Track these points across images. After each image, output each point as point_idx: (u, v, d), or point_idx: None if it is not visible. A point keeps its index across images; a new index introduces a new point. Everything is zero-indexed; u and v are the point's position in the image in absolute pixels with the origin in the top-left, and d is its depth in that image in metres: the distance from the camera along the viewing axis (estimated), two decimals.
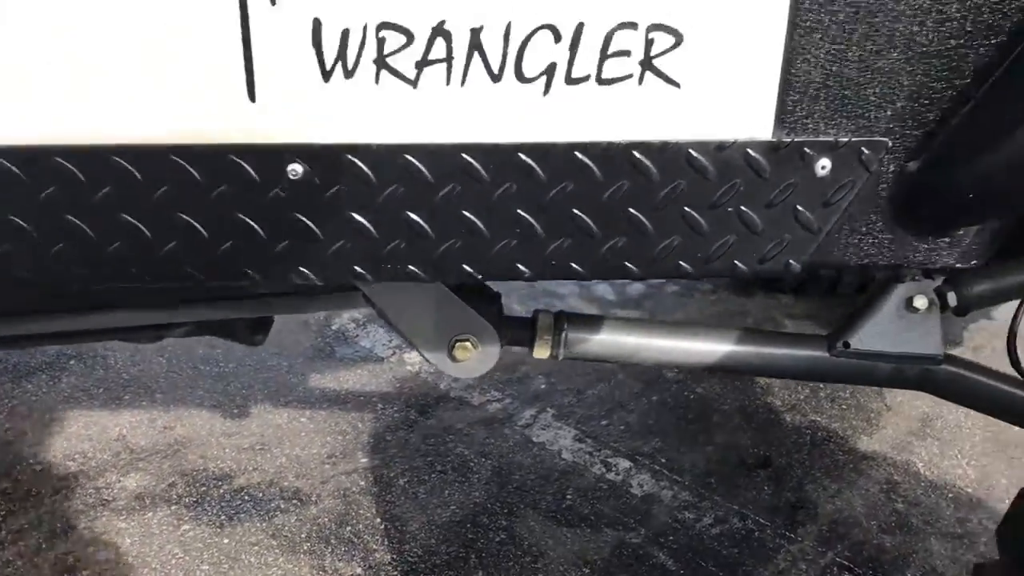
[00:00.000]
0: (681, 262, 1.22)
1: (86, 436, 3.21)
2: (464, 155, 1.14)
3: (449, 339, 1.88)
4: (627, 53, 1.12)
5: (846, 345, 1.92)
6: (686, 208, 1.19)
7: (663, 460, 3.19)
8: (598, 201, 1.18)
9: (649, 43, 1.11)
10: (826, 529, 2.89)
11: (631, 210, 1.19)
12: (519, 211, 1.18)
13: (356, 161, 1.14)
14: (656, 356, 2.02)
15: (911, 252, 1.24)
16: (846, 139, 1.17)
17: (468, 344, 1.89)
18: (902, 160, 1.19)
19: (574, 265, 1.22)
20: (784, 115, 1.16)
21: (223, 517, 2.86)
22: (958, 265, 1.23)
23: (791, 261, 1.22)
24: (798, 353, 2.01)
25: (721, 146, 1.16)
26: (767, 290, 4.05)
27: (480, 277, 1.21)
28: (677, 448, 3.26)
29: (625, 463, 3.17)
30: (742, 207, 1.19)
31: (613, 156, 1.16)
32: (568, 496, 3.00)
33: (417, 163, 1.14)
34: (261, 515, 2.87)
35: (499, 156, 1.15)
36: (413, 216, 1.17)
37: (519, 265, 1.21)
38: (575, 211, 1.18)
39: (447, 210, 1.17)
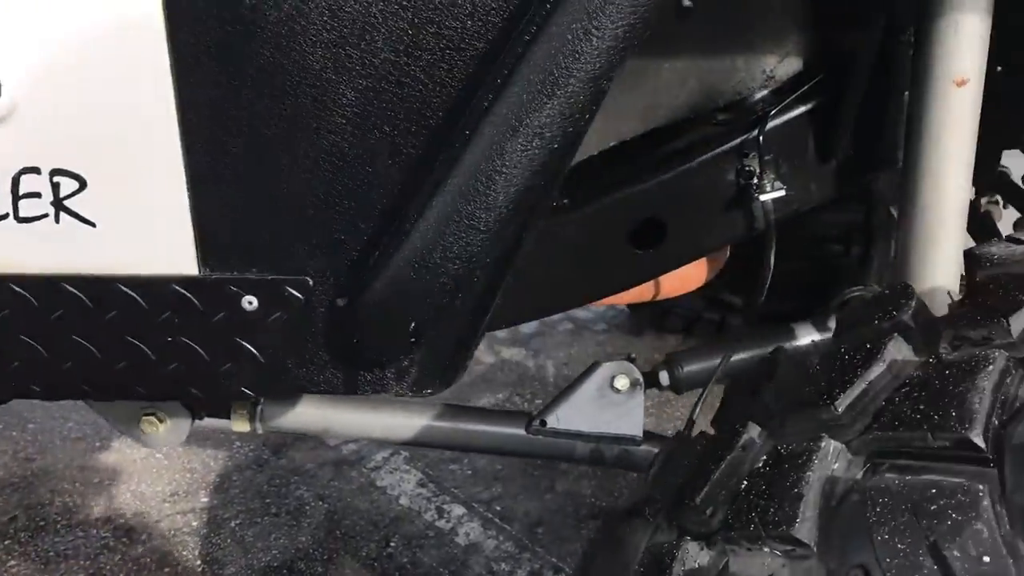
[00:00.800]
0: (136, 386, 1.26)
1: None
2: None
3: (138, 414, 1.95)
4: (38, 195, 1.16)
5: (543, 423, 1.93)
6: (128, 337, 1.22)
7: (498, 508, 3.20)
8: (44, 328, 1.22)
9: (56, 186, 1.15)
10: None
11: (75, 337, 1.23)
12: None
13: None
14: (352, 430, 2.07)
15: (361, 382, 1.25)
16: (269, 277, 1.19)
17: (155, 419, 1.95)
18: (331, 296, 1.20)
19: (34, 386, 1.26)
20: (207, 253, 1.18)
21: (52, 553, 2.95)
22: (410, 394, 1.24)
23: (244, 390, 1.25)
24: (495, 430, 2.03)
25: (149, 280, 1.19)
26: (656, 330, 4.03)
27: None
28: (516, 496, 3.26)
29: (460, 510, 3.19)
30: (182, 337, 1.22)
31: (43, 288, 1.20)
32: (392, 543, 3.03)
33: None
34: (88, 553, 2.96)
35: None
36: None
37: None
38: (21, 337, 1.23)
39: None
